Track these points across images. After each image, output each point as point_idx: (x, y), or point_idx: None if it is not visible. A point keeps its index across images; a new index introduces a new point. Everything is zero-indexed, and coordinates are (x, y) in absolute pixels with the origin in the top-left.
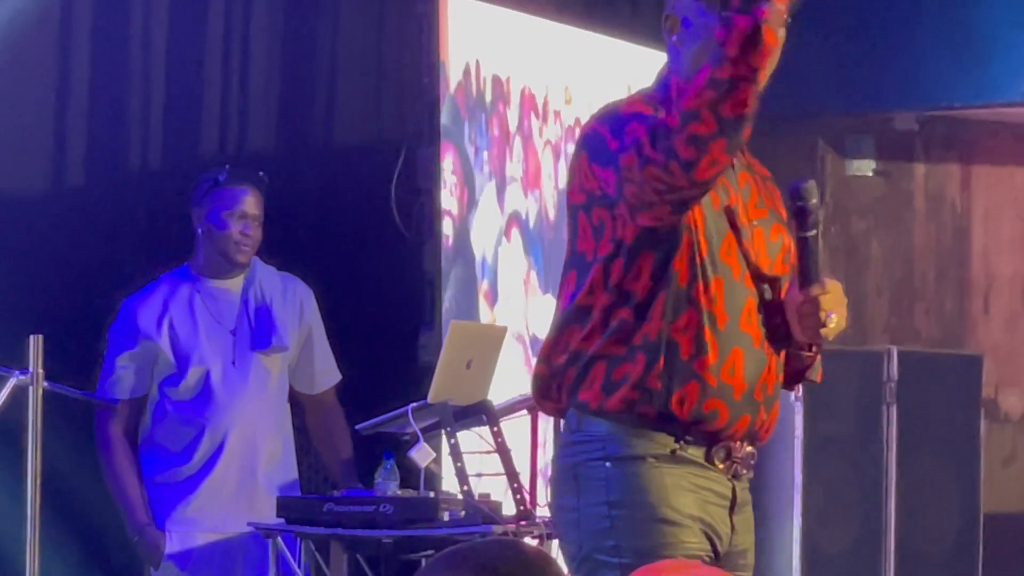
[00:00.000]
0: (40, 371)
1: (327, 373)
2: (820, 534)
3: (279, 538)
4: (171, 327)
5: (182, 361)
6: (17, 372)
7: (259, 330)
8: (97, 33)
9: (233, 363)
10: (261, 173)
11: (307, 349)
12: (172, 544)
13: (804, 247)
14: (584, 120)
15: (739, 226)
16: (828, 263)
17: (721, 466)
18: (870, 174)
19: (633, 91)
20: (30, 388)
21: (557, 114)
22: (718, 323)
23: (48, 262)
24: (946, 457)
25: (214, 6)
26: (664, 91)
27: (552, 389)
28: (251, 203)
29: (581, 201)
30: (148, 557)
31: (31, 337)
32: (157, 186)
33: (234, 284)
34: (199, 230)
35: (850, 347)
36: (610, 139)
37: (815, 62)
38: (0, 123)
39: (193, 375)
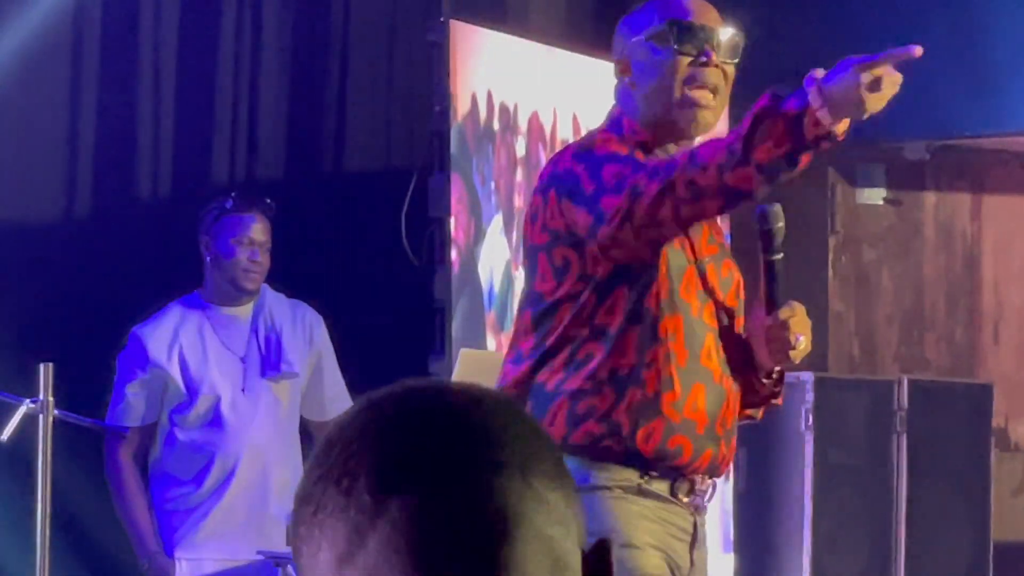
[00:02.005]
0: (50, 399)
1: (337, 400)
2: (830, 563)
3: (289, 567)
4: (181, 355)
5: (192, 389)
6: (27, 400)
7: (269, 357)
8: (107, 62)
9: (243, 390)
10: (268, 200)
11: (317, 376)
12: (182, 572)
13: (770, 271)
14: None
15: (699, 262)
16: (839, 292)
17: (685, 500)
18: (880, 203)
19: None
20: (40, 416)
21: (565, 144)
22: (679, 360)
23: (58, 290)
24: (956, 486)
25: (224, 33)
26: (618, 129)
27: None
28: (258, 230)
29: (543, 242)
30: None
31: (41, 365)
32: (168, 214)
33: (244, 311)
34: (207, 258)
35: (860, 376)
36: (586, 179)
37: None
38: (11, 152)
39: (203, 403)
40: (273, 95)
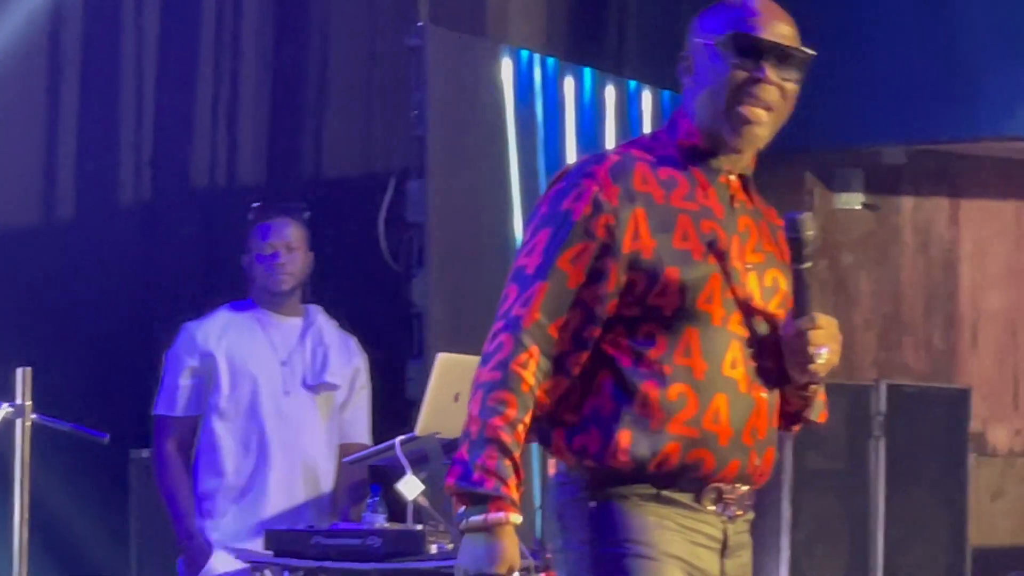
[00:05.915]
0: (28, 403)
1: (356, 431)
2: (808, 567)
3: (267, 571)
4: (228, 345)
5: (235, 378)
6: (5, 404)
7: (314, 367)
8: (87, 65)
9: (286, 393)
10: (302, 204)
11: (346, 401)
12: (218, 560)
13: (798, 280)
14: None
15: (729, 270)
16: (817, 297)
17: (712, 508)
18: (858, 208)
19: (614, 124)
20: (18, 421)
21: None
22: (694, 374)
23: (37, 295)
24: (934, 491)
25: (204, 37)
26: (672, 131)
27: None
28: (279, 232)
29: None
30: (192, 566)
31: (19, 370)
32: (148, 218)
33: (292, 321)
34: (249, 275)
35: (838, 381)
36: (532, 222)
37: (803, 96)
38: None
39: (244, 395)
40: (253, 99)
